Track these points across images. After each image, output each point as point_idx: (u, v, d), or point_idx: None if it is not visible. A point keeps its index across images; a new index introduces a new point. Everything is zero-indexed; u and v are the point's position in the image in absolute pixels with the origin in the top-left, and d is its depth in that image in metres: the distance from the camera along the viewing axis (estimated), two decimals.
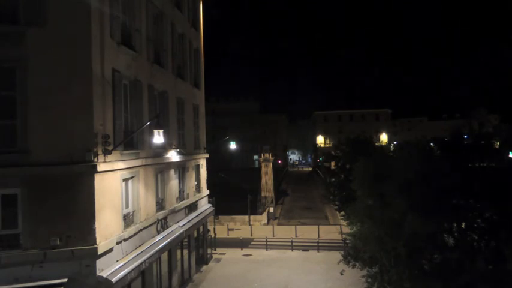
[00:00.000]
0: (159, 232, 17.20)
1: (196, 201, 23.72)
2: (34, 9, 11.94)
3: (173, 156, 19.06)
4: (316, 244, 28.86)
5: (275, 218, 41.01)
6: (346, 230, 22.10)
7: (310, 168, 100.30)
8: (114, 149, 13.15)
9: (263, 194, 45.09)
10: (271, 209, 41.60)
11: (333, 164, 36.26)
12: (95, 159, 12.24)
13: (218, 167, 43.37)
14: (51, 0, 12.04)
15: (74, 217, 11.89)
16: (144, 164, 15.83)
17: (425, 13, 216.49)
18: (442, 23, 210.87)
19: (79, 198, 11.97)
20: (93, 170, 12.07)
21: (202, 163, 25.77)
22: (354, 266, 17.69)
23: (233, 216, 37.41)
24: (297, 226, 34.19)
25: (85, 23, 12.32)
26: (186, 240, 21.25)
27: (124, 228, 14.12)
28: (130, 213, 15.00)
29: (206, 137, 26.93)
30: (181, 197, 20.99)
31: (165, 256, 18.22)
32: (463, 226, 15.34)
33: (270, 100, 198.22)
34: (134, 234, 14.74)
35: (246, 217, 37.11)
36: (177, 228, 19.20)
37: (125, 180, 14.69)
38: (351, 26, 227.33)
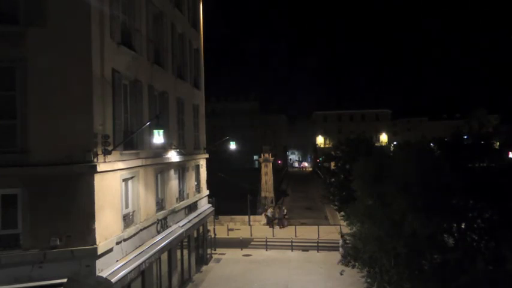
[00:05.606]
0: (159, 232, 17.20)
1: (196, 202, 23.72)
2: (34, 9, 11.93)
3: (173, 156, 19.05)
4: (316, 244, 28.84)
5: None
6: (346, 230, 22.08)
7: (310, 168, 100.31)
8: (114, 149, 13.14)
9: (263, 194, 45.00)
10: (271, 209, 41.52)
11: (332, 164, 36.25)
12: (95, 160, 12.23)
13: (218, 167, 43.25)
14: (51, 1, 12.03)
15: (73, 217, 11.89)
16: (144, 164, 15.82)
17: (425, 12, 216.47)
18: (441, 22, 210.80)
19: (79, 198, 11.97)
20: (93, 170, 12.07)
21: (202, 163, 25.77)
22: (353, 266, 17.68)
23: (233, 217, 37.38)
24: (296, 226, 34.17)
25: (85, 23, 12.30)
26: (186, 240, 21.25)
27: (124, 229, 14.12)
28: (130, 214, 15.00)
29: (206, 137, 26.94)
30: (181, 197, 20.99)
31: (165, 256, 18.22)
32: (463, 226, 15.32)
33: (270, 100, 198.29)
34: (134, 235, 14.74)
35: (246, 217, 37.10)
36: (177, 228, 19.20)
37: (125, 180, 14.69)
38: (351, 26, 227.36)
